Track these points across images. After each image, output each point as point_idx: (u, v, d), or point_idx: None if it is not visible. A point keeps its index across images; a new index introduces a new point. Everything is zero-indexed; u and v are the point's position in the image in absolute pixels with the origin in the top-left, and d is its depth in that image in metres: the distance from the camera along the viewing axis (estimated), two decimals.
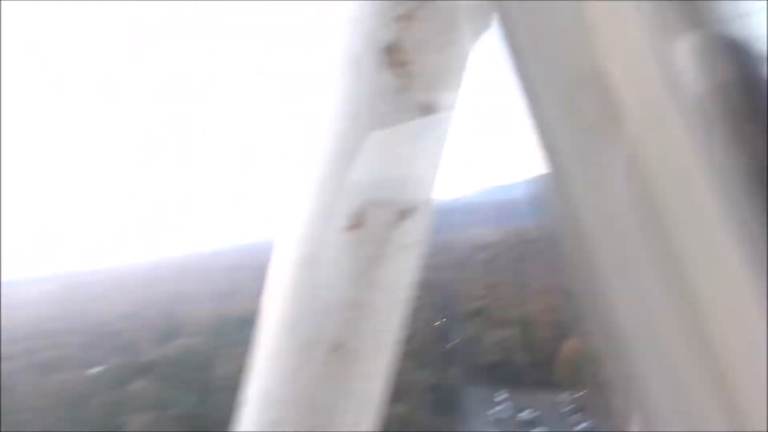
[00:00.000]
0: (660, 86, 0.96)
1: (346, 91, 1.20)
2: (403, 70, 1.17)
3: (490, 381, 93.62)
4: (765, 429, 1.02)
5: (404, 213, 1.22)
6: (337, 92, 1.22)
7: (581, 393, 79.19)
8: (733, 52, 1.12)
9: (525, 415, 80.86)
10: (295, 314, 1.28)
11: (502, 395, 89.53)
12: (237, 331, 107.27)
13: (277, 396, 1.31)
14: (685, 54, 1.09)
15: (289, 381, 1.29)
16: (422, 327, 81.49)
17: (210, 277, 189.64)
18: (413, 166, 1.22)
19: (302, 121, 1.34)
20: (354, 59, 1.19)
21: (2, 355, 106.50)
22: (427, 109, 1.19)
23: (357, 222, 1.21)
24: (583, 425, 76.42)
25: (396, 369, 1.37)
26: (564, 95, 0.99)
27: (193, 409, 75.85)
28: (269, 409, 1.32)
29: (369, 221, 1.22)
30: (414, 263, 1.28)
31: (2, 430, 54.81)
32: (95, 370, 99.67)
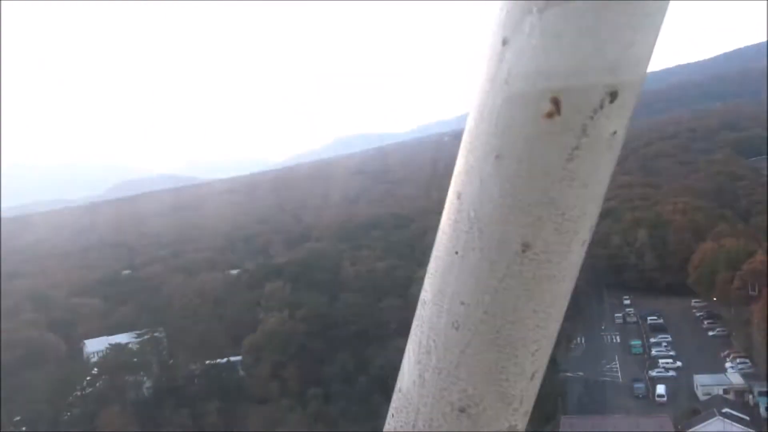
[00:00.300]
0: None
1: None
2: None
3: (617, 284, 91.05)
4: None
5: (609, 97, 1.08)
6: None
7: (715, 298, 75.21)
8: None
9: (652, 319, 78.39)
10: (484, 211, 1.18)
11: (629, 299, 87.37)
12: (361, 235, 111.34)
13: (458, 297, 1.24)
14: None
15: (473, 282, 1.21)
16: None
17: (336, 183, 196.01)
18: (625, 40, 1.06)
19: None
20: None
21: (153, 258, 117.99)
22: None
23: (554, 108, 1.08)
24: (715, 332, 73.76)
25: None
26: None
27: (321, 308, 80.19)
28: (449, 311, 1.26)
29: (568, 107, 1.08)
30: (614, 156, 1.15)
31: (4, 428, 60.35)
32: (234, 271, 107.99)
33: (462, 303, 1.24)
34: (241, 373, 71.70)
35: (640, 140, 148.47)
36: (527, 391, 1.30)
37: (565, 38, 1.06)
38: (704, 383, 59.31)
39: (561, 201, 1.14)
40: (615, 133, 1.12)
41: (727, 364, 63.13)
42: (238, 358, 72.71)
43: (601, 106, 1.08)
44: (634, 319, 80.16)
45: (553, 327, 1.26)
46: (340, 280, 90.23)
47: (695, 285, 75.56)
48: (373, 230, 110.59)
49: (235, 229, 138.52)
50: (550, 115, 1.08)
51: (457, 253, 1.24)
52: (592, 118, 1.09)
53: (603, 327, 79.37)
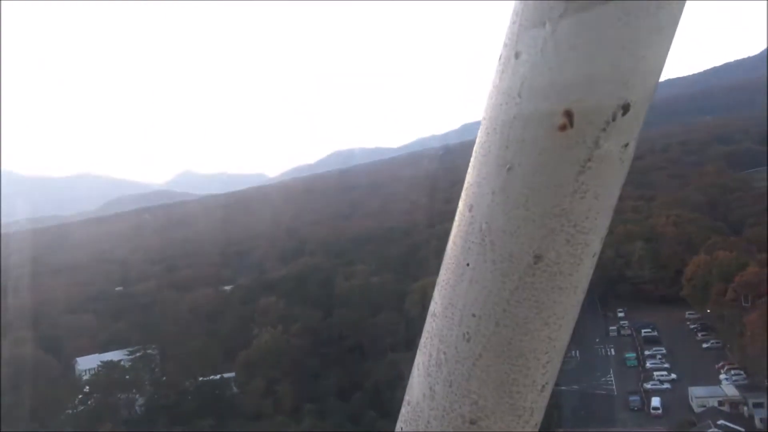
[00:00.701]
0: None
1: None
2: None
3: (611, 296, 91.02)
4: None
5: (621, 110, 1.08)
6: None
7: (708, 310, 75.34)
8: None
9: (647, 332, 78.54)
10: (497, 223, 1.18)
11: (623, 311, 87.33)
12: (355, 249, 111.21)
13: (470, 309, 1.24)
14: None
15: (484, 294, 1.22)
16: None
17: (330, 197, 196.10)
18: (638, 52, 1.05)
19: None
20: None
21: (147, 274, 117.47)
22: None
23: (567, 121, 1.08)
24: (709, 344, 75.04)
25: None
26: None
27: (315, 323, 79.90)
28: (461, 323, 1.25)
29: (580, 120, 1.08)
30: (625, 168, 1.16)
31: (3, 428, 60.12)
32: (228, 287, 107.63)
33: (473, 315, 1.23)
34: (235, 389, 71.21)
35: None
36: (537, 403, 1.30)
37: (578, 51, 1.06)
38: (699, 395, 59.23)
39: (573, 213, 1.14)
40: (627, 145, 1.13)
41: (722, 376, 63.08)
42: (232, 374, 72.24)
43: (614, 119, 1.09)
44: (629, 331, 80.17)
45: (564, 338, 1.27)
46: (335, 294, 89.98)
47: (689, 297, 75.70)
48: (368, 245, 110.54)
49: (229, 244, 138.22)
50: (563, 128, 1.09)
51: (468, 265, 1.23)
52: (604, 130, 1.09)
53: (597, 340, 79.32)
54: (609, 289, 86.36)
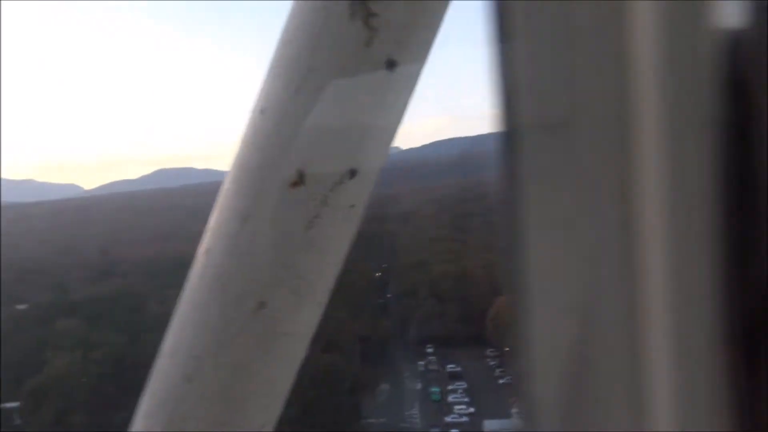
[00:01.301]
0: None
1: (309, 38, 1.14)
2: (371, 21, 1.11)
3: (421, 334, 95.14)
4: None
5: (350, 173, 1.17)
6: (299, 38, 1.15)
7: (506, 349, 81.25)
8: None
9: (451, 368, 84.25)
10: (228, 269, 1.22)
11: (432, 348, 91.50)
12: (171, 273, 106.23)
13: (193, 351, 1.26)
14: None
15: (208, 336, 1.24)
16: (360, 278, 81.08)
17: (150, 217, 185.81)
18: (369, 122, 1.18)
19: (263, 65, 1.25)
20: (321, 6, 1.13)
21: None
22: (392, 63, 1.14)
23: (299, 178, 1.15)
24: (505, 380, 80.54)
25: (330, 318, 1.36)
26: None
27: (120, 349, 74.82)
28: (184, 363, 1.26)
29: (311, 179, 1.16)
30: (351, 227, 1.23)
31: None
32: (22, 306, 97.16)
33: (197, 357, 1.25)
34: (18, 420, 64.28)
35: (452, 199, 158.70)
36: None
37: (315, 117, 1.14)
38: (491, 428, 63.36)
39: (299, 265, 1.19)
40: (353, 206, 1.20)
41: (514, 410, 68.14)
42: (16, 404, 65.14)
43: (341, 182, 1.16)
44: (435, 367, 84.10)
45: (285, 382, 1.30)
46: (145, 319, 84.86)
47: (491, 335, 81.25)
48: (186, 268, 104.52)
49: (27, 259, 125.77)
50: (295, 185, 1.15)
51: (199, 306, 1.27)
52: (332, 190, 1.16)
53: (407, 375, 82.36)
54: (421, 326, 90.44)
